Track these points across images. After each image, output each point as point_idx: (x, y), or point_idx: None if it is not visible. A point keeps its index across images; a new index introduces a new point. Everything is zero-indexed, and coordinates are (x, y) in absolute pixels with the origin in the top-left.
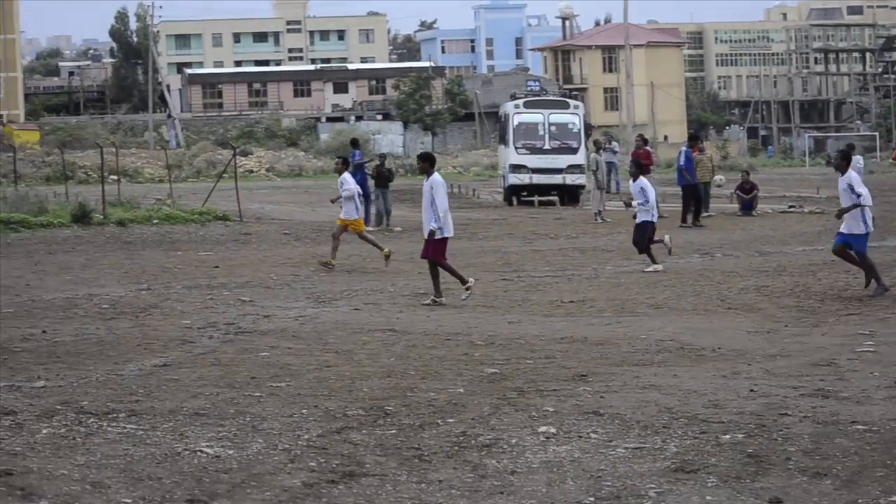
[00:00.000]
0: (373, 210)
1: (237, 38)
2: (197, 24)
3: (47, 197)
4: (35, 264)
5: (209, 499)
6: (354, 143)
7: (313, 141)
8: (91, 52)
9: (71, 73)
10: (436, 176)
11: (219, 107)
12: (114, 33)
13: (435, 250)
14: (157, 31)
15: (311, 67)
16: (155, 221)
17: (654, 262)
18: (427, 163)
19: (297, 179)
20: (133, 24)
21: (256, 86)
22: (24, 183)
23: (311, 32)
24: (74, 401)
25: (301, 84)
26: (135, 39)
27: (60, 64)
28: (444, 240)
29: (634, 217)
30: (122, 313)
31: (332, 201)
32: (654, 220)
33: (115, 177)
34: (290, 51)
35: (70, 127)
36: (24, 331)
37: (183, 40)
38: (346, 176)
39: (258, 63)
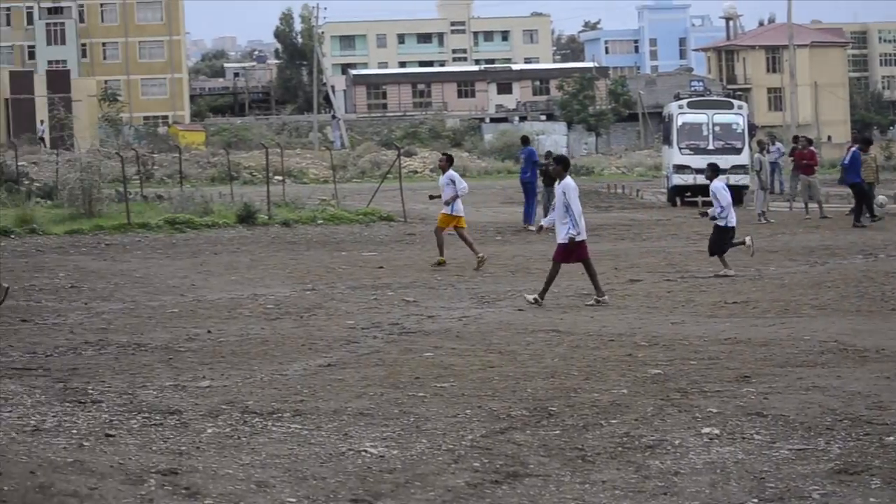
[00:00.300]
0: (539, 210)
1: (401, 38)
2: (361, 24)
3: (212, 197)
4: (200, 264)
5: (373, 499)
6: (525, 140)
7: (477, 141)
8: (256, 53)
9: (236, 75)
10: (568, 180)
11: (383, 107)
12: (278, 34)
13: (560, 253)
14: (322, 32)
15: (475, 68)
16: (319, 222)
17: (725, 265)
18: (560, 166)
19: None
20: (298, 25)
21: (420, 86)
22: (190, 183)
23: (475, 33)
24: (239, 400)
25: (465, 85)
26: (299, 40)
27: (225, 65)
28: (578, 243)
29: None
30: (287, 313)
31: (444, 201)
32: (731, 225)
33: (280, 177)
34: (455, 51)
35: (235, 128)
36: (189, 331)
37: (347, 41)
38: (454, 174)
39: (422, 64)
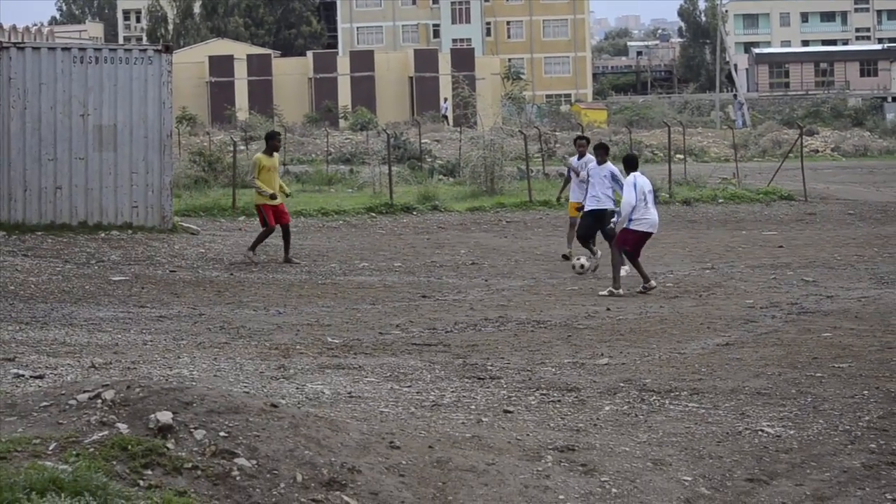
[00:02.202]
0: None
1: (805, 17)
2: (765, 3)
3: None
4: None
5: (769, 478)
6: None
7: (879, 121)
8: (659, 31)
9: (639, 53)
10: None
11: (785, 86)
12: (682, 13)
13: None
14: (726, 11)
15: (878, 47)
16: (720, 200)
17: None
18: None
19: (861, 159)
20: (702, 4)
21: (823, 65)
22: None
23: (879, 11)
24: (637, 378)
25: (867, 63)
26: (703, 19)
27: (629, 44)
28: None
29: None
30: (686, 292)
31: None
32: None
33: (681, 156)
34: (858, 30)
35: (637, 106)
36: (588, 308)
37: (750, 20)
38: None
39: (825, 42)
